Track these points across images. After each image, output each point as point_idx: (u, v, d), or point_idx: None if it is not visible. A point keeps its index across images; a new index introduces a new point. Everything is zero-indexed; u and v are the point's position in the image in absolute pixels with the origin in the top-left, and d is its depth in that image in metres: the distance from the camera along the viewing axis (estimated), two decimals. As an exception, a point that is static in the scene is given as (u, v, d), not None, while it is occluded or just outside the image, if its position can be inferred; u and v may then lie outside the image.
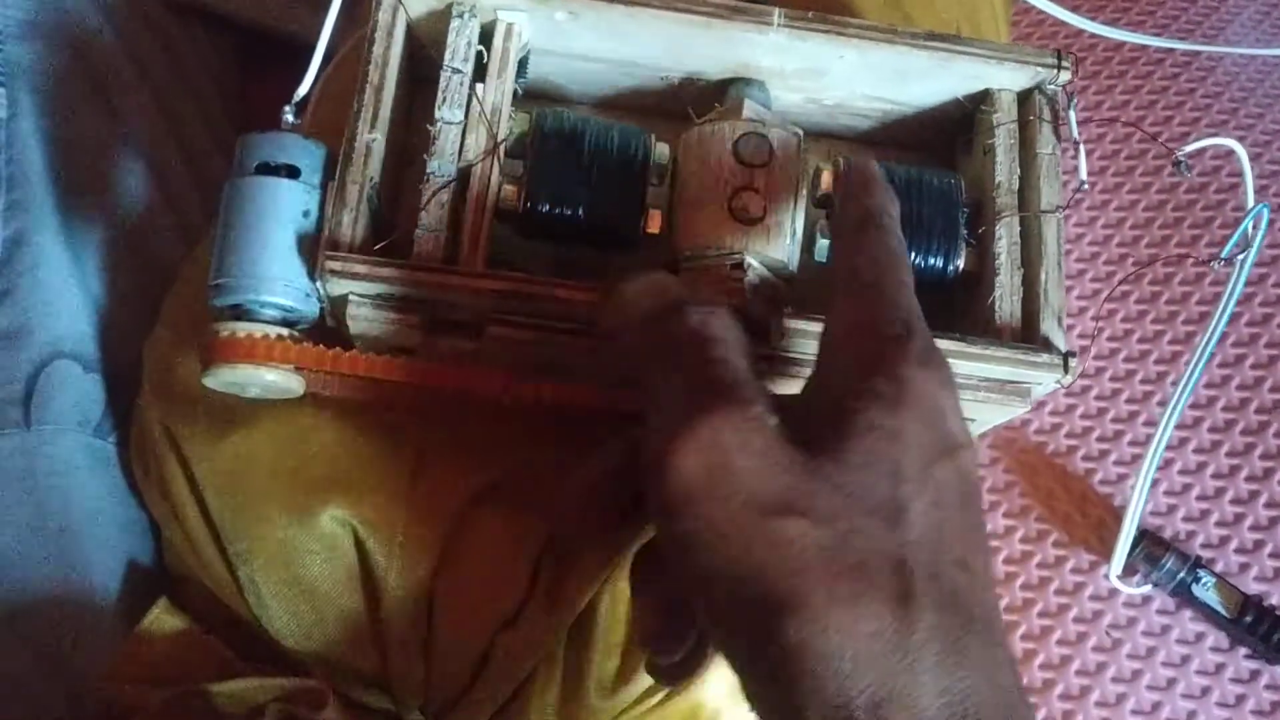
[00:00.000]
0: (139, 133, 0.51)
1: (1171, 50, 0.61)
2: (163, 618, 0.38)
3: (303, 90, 0.37)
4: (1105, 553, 0.52)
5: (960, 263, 0.38)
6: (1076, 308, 0.56)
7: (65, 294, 0.44)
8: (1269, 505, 0.54)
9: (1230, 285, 0.37)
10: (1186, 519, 0.54)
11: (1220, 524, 0.54)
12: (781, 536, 0.24)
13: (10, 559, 0.39)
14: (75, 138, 0.49)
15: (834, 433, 0.26)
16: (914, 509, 0.25)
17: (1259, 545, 0.53)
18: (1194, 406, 0.56)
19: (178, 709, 0.36)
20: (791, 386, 0.36)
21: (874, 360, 0.27)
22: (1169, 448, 0.56)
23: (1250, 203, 0.36)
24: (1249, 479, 0.55)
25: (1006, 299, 0.38)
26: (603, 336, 0.32)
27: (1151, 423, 0.56)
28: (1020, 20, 0.68)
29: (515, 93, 0.38)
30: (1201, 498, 0.54)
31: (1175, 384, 0.55)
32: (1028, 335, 0.37)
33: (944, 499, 0.26)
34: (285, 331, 0.35)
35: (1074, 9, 0.46)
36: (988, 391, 0.37)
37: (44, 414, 0.41)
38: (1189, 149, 0.38)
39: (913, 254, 0.38)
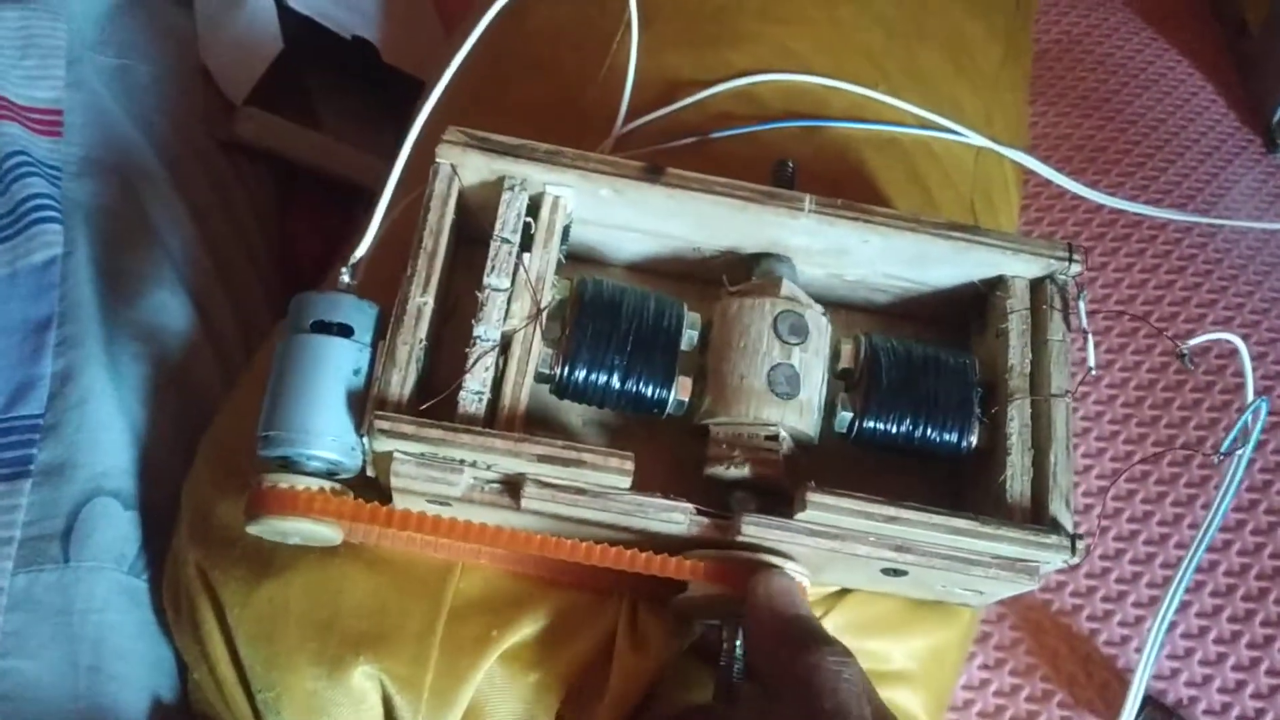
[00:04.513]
0: (184, 267, 0.53)
1: (1166, 224, 0.64)
2: (188, 757, 0.39)
3: (360, 252, 0.39)
4: (1110, 716, 0.53)
5: (974, 439, 0.40)
6: (1096, 487, 0.58)
7: (109, 429, 0.45)
8: (1270, 673, 0.55)
9: (1231, 472, 0.39)
10: (1189, 684, 0.55)
11: (1222, 690, 0.54)
12: None
13: (43, 693, 0.40)
14: (124, 272, 0.51)
15: None
16: None
17: (1260, 714, 0.54)
18: (1197, 570, 0.57)
19: None
20: (809, 555, 0.38)
21: None
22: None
23: (1250, 396, 0.38)
24: (1250, 645, 0.55)
25: (1017, 479, 0.39)
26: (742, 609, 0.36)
27: (1155, 584, 0.57)
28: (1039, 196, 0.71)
29: (559, 261, 0.40)
30: (1204, 663, 0.55)
31: (1179, 547, 0.56)
32: (1037, 515, 0.38)
33: None
34: (329, 485, 0.36)
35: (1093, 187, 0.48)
36: (998, 569, 0.38)
37: (83, 551, 0.42)
38: (1193, 342, 0.40)
39: (928, 429, 0.40)
